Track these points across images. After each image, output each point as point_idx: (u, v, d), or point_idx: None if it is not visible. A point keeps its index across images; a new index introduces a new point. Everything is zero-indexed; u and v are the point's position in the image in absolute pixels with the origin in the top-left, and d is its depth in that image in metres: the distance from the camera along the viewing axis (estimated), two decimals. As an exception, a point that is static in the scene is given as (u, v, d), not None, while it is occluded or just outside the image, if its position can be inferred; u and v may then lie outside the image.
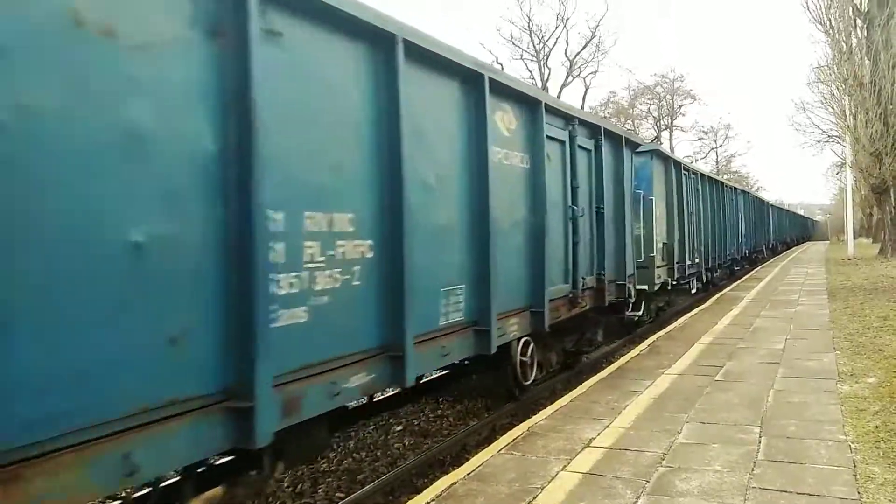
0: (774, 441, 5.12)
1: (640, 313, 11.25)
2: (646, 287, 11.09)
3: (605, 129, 8.74)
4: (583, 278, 7.71)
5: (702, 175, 17.31)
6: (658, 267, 11.86)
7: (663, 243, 12.48)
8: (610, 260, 8.64)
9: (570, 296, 7.47)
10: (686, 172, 14.96)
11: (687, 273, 14.25)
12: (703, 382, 7.18)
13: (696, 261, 15.40)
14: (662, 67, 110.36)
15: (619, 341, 11.20)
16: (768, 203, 36.86)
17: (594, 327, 9.07)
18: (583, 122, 8.07)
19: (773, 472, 4.48)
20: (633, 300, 9.45)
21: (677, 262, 13.40)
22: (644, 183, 11.57)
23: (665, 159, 13.38)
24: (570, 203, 7.54)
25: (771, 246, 35.95)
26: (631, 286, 9.33)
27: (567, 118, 7.64)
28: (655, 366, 8.18)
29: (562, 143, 7.46)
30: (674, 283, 13.26)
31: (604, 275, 8.36)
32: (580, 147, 7.88)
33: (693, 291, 15.75)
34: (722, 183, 20.56)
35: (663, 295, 13.19)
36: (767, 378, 7.25)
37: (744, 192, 26.26)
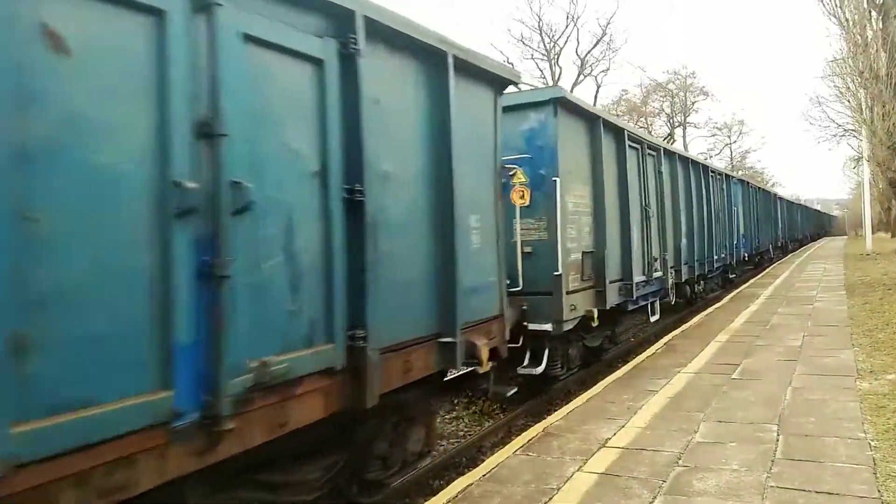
0: (792, 439, 5.07)
1: (540, 369, 7.19)
2: (548, 327, 7.02)
3: (367, 16, 3.90)
4: (248, 368, 3.10)
5: (667, 151, 11.83)
6: (572, 292, 7.36)
7: (584, 252, 7.78)
8: (397, 298, 4.16)
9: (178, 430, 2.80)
10: (635, 145, 9.77)
11: (637, 294, 9.12)
12: (719, 381, 7.13)
13: (659, 275, 10.44)
14: (674, 64, 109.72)
15: (481, 432, 6.79)
16: (775, 195, 32.38)
17: (393, 435, 4.65)
18: None
19: (791, 470, 4.44)
20: (484, 370, 5.08)
21: (616, 281, 8.67)
22: (543, 154, 7.21)
23: (587, 119, 8.25)
24: (179, 179, 2.80)
25: (780, 244, 32.05)
26: (480, 343, 4.95)
27: None
28: (671, 364, 8.13)
29: (156, 14, 2.78)
30: (613, 308, 8.60)
31: (364, 338, 3.74)
32: (269, 46, 3.35)
33: (654, 318, 10.71)
34: (706, 167, 15.40)
35: (595, 332, 8.44)
36: (785, 375, 7.18)
37: (741, 181, 21.42)
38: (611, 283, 8.41)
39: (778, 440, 5.07)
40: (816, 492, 4.06)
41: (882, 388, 6.45)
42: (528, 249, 7.03)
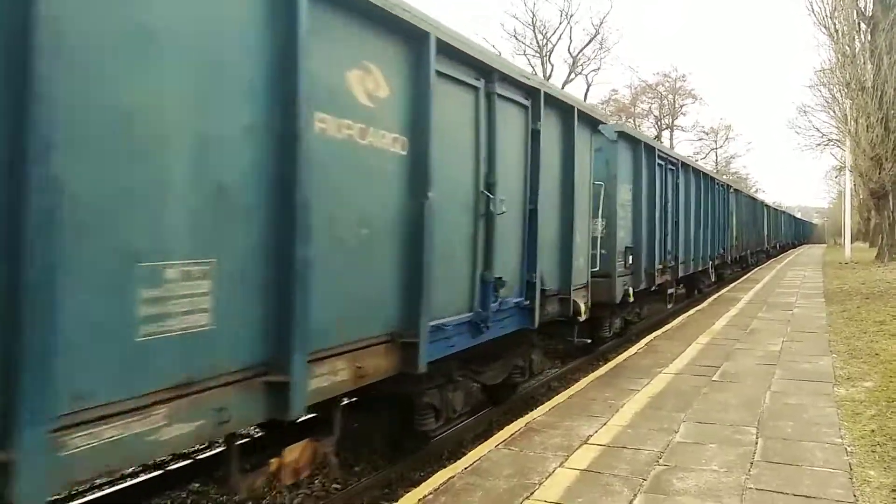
0: (771, 443, 5.14)
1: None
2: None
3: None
4: None
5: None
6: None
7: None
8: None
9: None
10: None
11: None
12: (700, 382, 7.20)
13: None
14: (664, 66, 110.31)
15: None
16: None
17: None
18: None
19: (770, 473, 4.49)
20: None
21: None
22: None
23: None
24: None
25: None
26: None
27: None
28: (652, 364, 8.19)
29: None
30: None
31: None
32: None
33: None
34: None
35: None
36: (764, 379, 7.27)
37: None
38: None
39: (757, 443, 5.13)
40: (794, 494, 4.12)
41: (859, 395, 6.55)
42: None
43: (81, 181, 2.45)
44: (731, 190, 21.77)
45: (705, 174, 16.70)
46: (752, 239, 27.75)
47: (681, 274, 13.64)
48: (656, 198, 11.54)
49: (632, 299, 10.08)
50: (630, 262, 10.17)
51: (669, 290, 13.03)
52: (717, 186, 18.35)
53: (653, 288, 11.38)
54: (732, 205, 21.56)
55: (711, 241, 17.08)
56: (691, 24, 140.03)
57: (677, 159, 13.57)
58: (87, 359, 2.50)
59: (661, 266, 11.82)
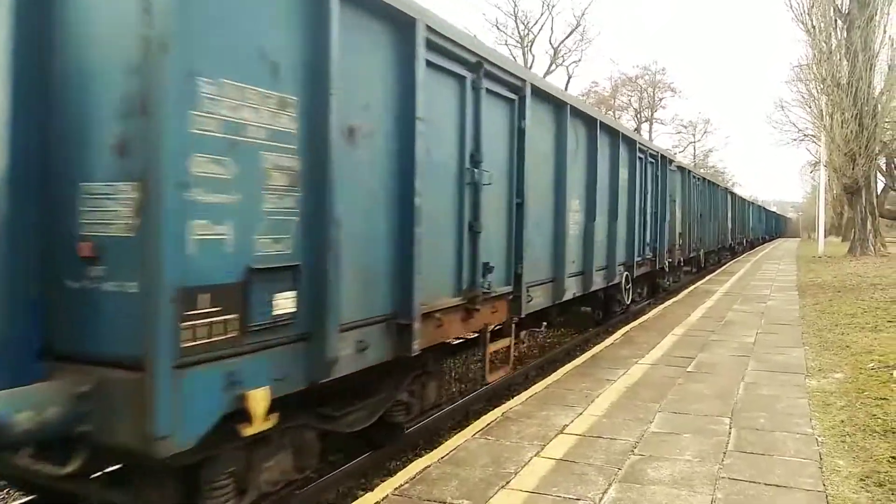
0: (744, 433, 5.20)
1: None
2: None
3: None
4: None
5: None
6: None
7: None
8: None
9: None
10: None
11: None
12: (675, 373, 7.27)
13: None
14: (645, 59, 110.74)
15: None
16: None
17: None
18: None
19: (742, 462, 4.55)
20: None
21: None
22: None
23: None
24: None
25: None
26: None
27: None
28: (629, 355, 8.25)
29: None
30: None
31: None
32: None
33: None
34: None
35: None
36: (738, 371, 7.36)
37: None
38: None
39: (730, 433, 5.19)
40: (766, 484, 4.17)
41: (829, 387, 6.66)
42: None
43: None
44: (673, 166, 14.96)
45: (610, 128, 9.71)
46: (707, 235, 21.14)
47: (543, 304, 7.38)
48: (417, 140, 4.51)
49: (256, 428, 3.26)
50: (266, 315, 3.34)
51: (497, 345, 6.34)
52: (641, 156, 11.57)
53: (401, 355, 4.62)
54: (675, 187, 15.15)
55: (628, 239, 10.74)
56: (674, 21, 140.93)
57: (523, 78, 6.45)
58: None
59: (451, 303, 5.26)
